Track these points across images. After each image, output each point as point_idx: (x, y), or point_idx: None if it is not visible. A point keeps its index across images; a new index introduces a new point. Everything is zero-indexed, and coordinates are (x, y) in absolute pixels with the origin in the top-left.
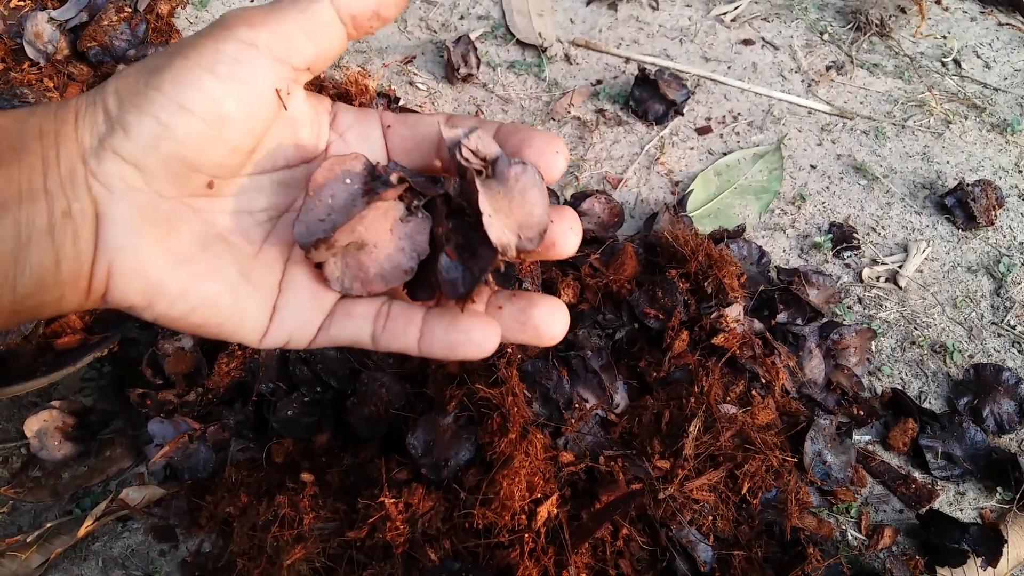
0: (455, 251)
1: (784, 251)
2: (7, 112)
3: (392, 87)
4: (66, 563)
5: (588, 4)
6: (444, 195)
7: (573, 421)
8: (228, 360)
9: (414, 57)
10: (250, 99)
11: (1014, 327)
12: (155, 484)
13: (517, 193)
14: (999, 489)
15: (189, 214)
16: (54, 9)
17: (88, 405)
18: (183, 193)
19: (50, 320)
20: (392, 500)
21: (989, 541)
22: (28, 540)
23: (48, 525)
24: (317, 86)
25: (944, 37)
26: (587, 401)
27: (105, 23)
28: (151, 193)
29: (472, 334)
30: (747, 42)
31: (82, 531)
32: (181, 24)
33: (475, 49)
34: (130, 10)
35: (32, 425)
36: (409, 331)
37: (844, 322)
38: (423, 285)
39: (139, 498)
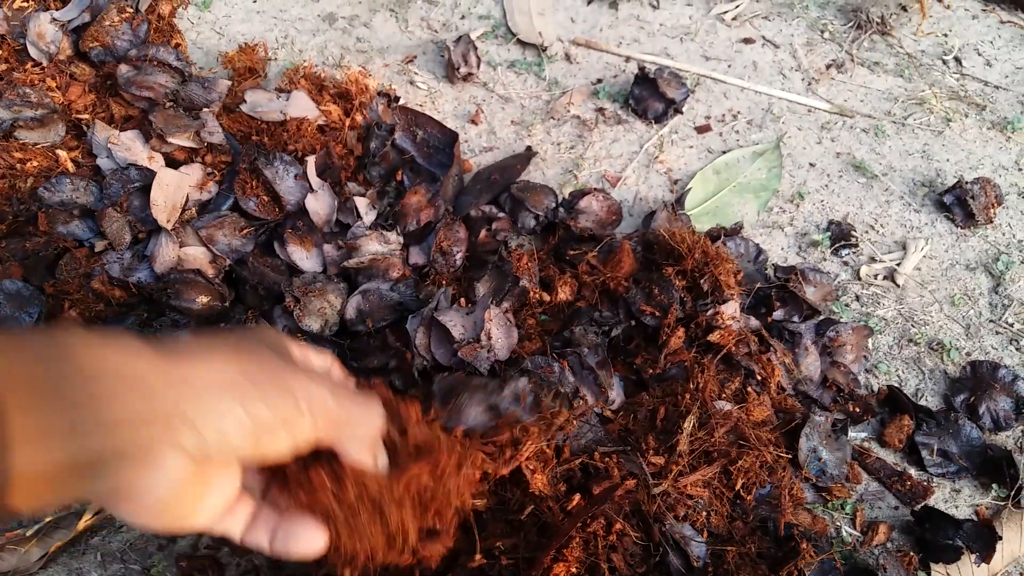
0: None
1: (782, 249)
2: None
3: (392, 86)
4: (65, 557)
5: (589, 3)
6: None
7: (572, 419)
8: None
9: (415, 56)
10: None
11: (1012, 325)
12: None
13: None
14: (994, 486)
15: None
16: (57, 10)
17: None
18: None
19: (51, 316)
20: None
21: (984, 538)
22: (28, 534)
23: (47, 519)
24: (318, 86)
25: (945, 35)
26: (584, 398)
27: (107, 23)
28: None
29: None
30: (748, 40)
31: (81, 525)
32: (183, 25)
33: (475, 48)
34: (131, 10)
35: None
36: (264, 535)
37: (841, 319)
38: None
39: None
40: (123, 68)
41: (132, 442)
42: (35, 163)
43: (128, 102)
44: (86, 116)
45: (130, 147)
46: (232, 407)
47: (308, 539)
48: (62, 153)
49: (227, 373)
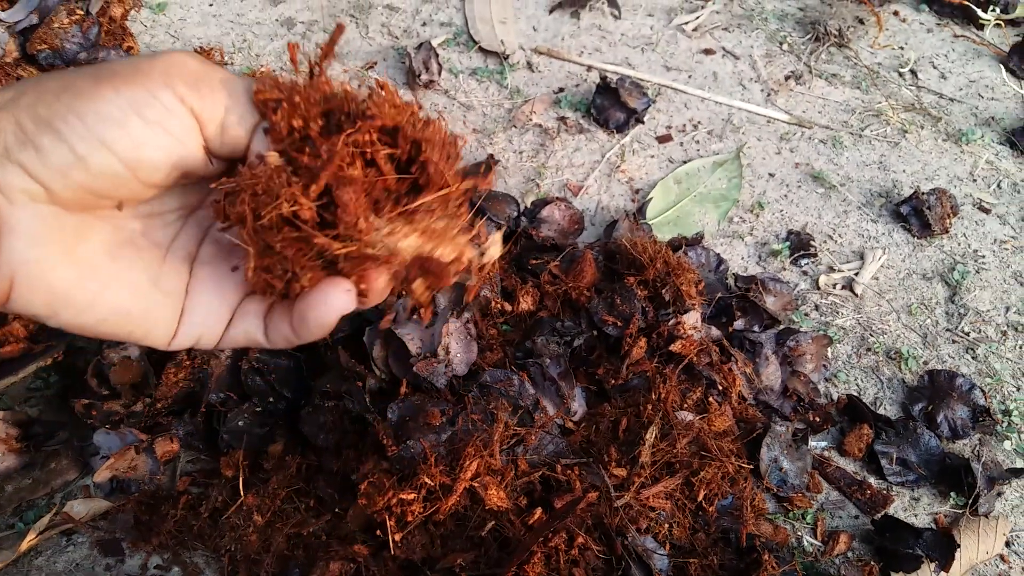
0: None
1: (742, 258)
2: None
3: None
4: None
5: (551, 12)
6: None
7: (533, 431)
8: (176, 370)
9: (375, 63)
10: (174, 149)
11: (968, 334)
12: (101, 497)
13: None
14: (952, 494)
15: (97, 224)
16: (3, 11)
17: (33, 416)
18: (90, 210)
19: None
20: None
21: (942, 546)
22: None
23: None
24: None
25: (901, 48)
26: (546, 409)
27: (56, 26)
28: (56, 207)
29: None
30: (708, 51)
31: (24, 545)
32: (136, 28)
33: (437, 56)
34: (82, 13)
35: None
36: (285, 323)
37: (801, 329)
38: None
39: (84, 511)
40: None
41: None
42: None
43: None
44: None
45: None
46: (55, 113)
47: (324, 300)
48: None
49: (28, 84)
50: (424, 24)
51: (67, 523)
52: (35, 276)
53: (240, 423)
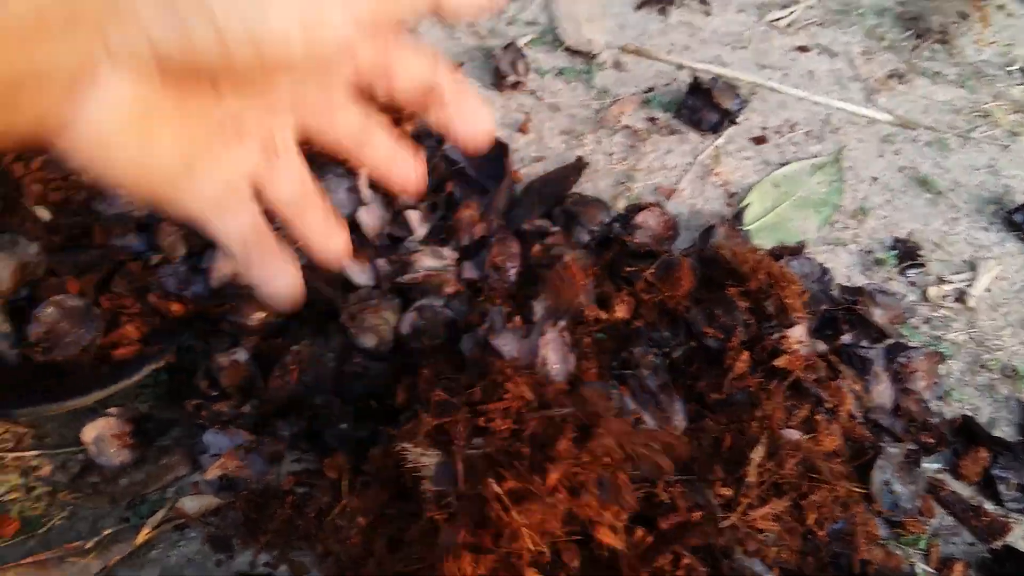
0: None
1: (846, 267)
2: None
3: None
4: (124, 570)
5: (638, 9)
6: None
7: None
8: (282, 374)
9: (462, 63)
10: (315, 46)
11: None
12: (211, 494)
13: None
14: None
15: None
16: None
17: (145, 412)
18: (187, 81)
19: (107, 331)
20: None
21: None
22: (87, 547)
23: (106, 532)
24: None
25: (1008, 45)
26: (646, 424)
27: None
28: (155, 84)
29: None
30: (803, 49)
31: (140, 538)
32: None
33: (523, 56)
34: None
35: (89, 432)
36: None
37: (911, 344)
38: None
39: (196, 507)
40: None
41: (50, 61)
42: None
43: None
44: None
45: None
46: None
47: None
48: None
49: None
50: (509, 23)
51: (180, 518)
52: (93, 139)
53: (343, 426)
